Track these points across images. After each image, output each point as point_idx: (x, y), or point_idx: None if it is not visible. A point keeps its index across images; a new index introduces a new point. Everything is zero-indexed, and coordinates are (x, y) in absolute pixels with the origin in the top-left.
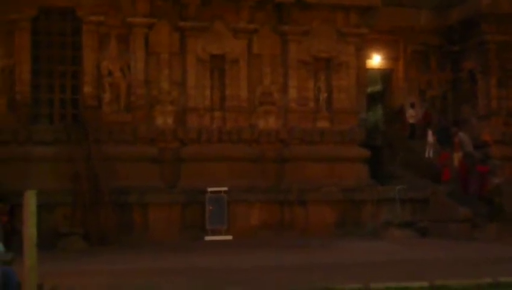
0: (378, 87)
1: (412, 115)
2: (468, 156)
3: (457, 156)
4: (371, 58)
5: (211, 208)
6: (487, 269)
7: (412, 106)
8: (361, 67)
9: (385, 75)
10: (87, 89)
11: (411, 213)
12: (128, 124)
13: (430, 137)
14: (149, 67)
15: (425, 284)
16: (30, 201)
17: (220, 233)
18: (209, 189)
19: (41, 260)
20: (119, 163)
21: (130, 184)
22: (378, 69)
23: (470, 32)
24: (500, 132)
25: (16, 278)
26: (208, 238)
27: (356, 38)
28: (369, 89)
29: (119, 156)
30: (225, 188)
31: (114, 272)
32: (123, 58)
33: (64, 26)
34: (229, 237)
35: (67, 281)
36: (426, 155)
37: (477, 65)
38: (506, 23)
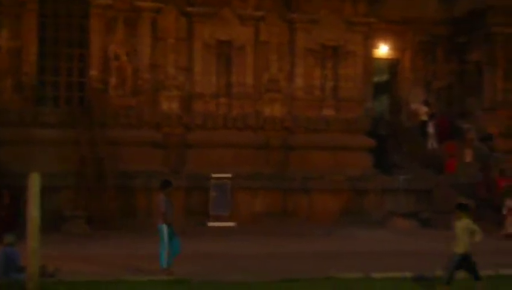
0: (384, 77)
1: (424, 112)
2: (486, 166)
3: (468, 153)
4: (378, 48)
5: (214, 194)
6: (488, 260)
7: (426, 103)
8: (368, 57)
9: (392, 65)
10: (93, 72)
11: (414, 203)
12: (133, 108)
13: (431, 128)
14: (156, 52)
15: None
16: (34, 183)
17: (223, 219)
18: (213, 175)
19: (44, 243)
20: (124, 147)
21: (135, 169)
22: (385, 59)
23: (477, 24)
24: (505, 124)
25: (18, 258)
26: (211, 224)
27: (364, 28)
28: (376, 79)
29: (124, 141)
30: (229, 175)
31: (116, 256)
32: (130, 43)
33: (71, 8)
34: (232, 224)
35: (69, 264)
36: (429, 146)
37: (484, 57)
38: None
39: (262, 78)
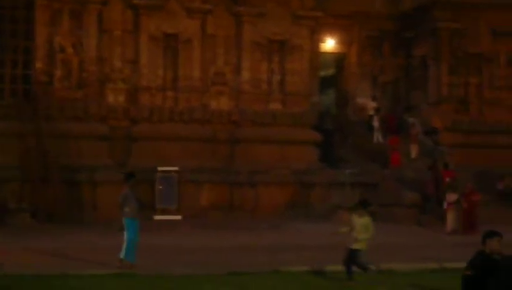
0: (331, 71)
1: (372, 107)
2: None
3: (414, 148)
4: (324, 42)
5: (160, 187)
6: (433, 253)
7: (374, 98)
8: (315, 51)
9: (338, 60)
10: (38, 64)
11: (360, 197)
12: (79, 101)
13: (376, 122)
14: (102, 44)
15: (372, 267)
16: None
17: (169, 213)
18: (160, 168)
19: None
20: (70, 140)
21: (80, 162)
22: (332, 53)
23: (423, 19)
24: (450, 118)
25: None
26: (157, 217)
27: (311, 22)
28: (322, 73)
29: (69, 133)
30: (175, 168)
31: (61, 249)
32: (76, 35)
33: (17, 0)
34: (179, 217)
35: (14, 258)
36: (375, 140)
37: (430, 52)
38: (459, 10)
39: (209, 72)
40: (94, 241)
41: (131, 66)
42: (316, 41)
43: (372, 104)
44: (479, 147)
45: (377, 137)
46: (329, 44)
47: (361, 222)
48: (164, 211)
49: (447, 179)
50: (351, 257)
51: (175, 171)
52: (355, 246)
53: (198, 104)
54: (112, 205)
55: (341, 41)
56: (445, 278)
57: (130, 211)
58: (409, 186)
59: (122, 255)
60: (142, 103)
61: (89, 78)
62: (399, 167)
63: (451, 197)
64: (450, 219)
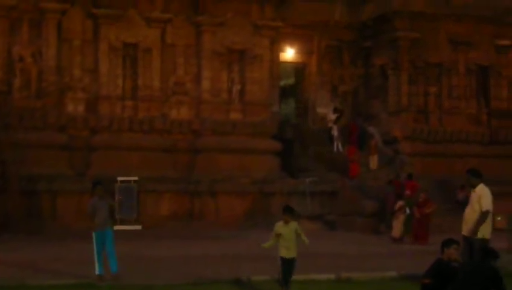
0: (291, 81)
1: (331, 119)
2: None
3: (373, 159)
4: (284, 52)
5: (120, 197)
6: (391, 262)
7: (335, 110)
8: (275, 61)
9: (298, 69)
10: None
11: (320, 206)
12: (38, 111)
13: (335, 131)
14: (61, 53)
15: (332, 277)
16: None
17: (129, 223)
18: (119, 178)
19: None
20: (29, 150)
21: (39, 171)
22: (292, 63)
23: (383, 29)
24: (409, 127)
25: None
26: (116, 227)
27: (270, 31)
28: (282, 82)
29: (28, 143)
30: (135, 178)
31: (19, 260)
32: (35, 44)
33: None
34: (138, 227)
35: None
36: (335, 149)
37: (389, 61)
38: (418, 20)
39: (168, 81)
40: (55, 252)
41: (91, 75)
42: (276, 50)
43: (332, 117)
44: (439, 156)
45: (337, 146)
46: (289, 53)
47: (289, 229)
48: (124, 221)
49: (407, 192)
50: (290, 267)
51: (134, 181)
52: (290, 255)
53: (158, 114)
54: (71, 214)
55: (301, 51)
56: (403, 286)
57: (98, 223)
58: (369, 195)
59: (97, 271)
60: (101, 112)
61: (48, 88)
62: (356, 177)
63: (398, 204)
64: (395, 225)
